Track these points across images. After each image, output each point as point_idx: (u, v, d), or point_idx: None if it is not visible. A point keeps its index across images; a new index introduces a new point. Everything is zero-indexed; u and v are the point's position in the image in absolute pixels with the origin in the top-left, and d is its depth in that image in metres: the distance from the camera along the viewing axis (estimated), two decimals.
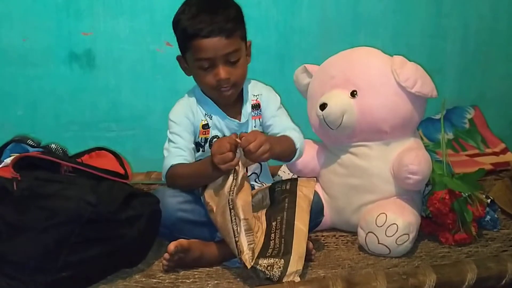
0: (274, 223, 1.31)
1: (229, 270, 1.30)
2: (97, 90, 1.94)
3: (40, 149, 1.36)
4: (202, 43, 1.35)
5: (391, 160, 1.46)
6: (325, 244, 1.47)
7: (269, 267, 1.19)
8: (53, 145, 1.40)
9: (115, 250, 1.22)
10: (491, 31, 2.27)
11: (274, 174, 1.73)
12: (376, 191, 1.46)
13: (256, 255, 1.22)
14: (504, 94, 2.33)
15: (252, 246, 1.23)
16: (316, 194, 1.43)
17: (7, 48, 1.86)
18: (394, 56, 1.49)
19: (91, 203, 1.18)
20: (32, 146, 1.38)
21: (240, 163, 1.29)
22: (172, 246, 1.25)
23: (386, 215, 1.36)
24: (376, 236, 1.37)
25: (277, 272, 1.18)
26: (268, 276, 1.19)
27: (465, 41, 2.25)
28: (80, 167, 1.30)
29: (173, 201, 1.34)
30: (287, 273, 1.19)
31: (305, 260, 1.33)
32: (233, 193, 1.25)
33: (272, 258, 1.21)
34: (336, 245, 1.47)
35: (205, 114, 1.46)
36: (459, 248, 1.41)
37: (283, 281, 1.18)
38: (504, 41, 2.29)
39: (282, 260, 1.20)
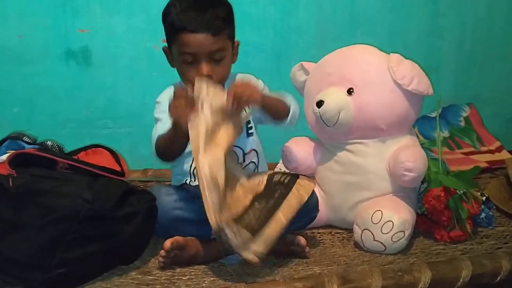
0: (257, 204, 1.27)
1: (225, 267, 1.30)
2: (94, 87, 1.94)
3: (36, 146, 1.36)
4: (188, 37, 1.35)
5: (387, 157, 1.46)
6: (321, 241, 1.48)
7: (236, 233, 1.16)
8: (49, 142, 1.40)
9: (111, 247, 1.22)
10: (487, 30, 2.28)
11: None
12: (372, 188, 1.47)
13: (229, 217, 1.19)
14: (499, 93, 2.34)
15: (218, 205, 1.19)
16: None
17: (3, 45, 1.85)
18: (391, 53, 1.50)
19: (88, 200, 1.18)
20: (28, 143, 1.38)
21: (202, 116, 1.24)
22: (168, 243, 1.25)
23: (381, 212, 1.37)
24: (372, 233, 1.37)
25: (240, 241, 1.16)
26: (230, 240, 1.15)
27: (461, 40, 2.26)
28: (76, 164, 1.30)
29: (169, 199, 1.34)
30: (249, 248, 1.17)
31: (299, 257, 1.34)
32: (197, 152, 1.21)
33: (242, 228, 1.18)
34: (332, 242, 1.48)
35: None
36: (454, 245, 1.42)
37: (242, 254, 1.16)
38: (500, 40, 2.30)
39: (250, 234, 1.18)
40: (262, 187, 1.36)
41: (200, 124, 1.23)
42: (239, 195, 1.29)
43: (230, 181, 1.26)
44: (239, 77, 1.48)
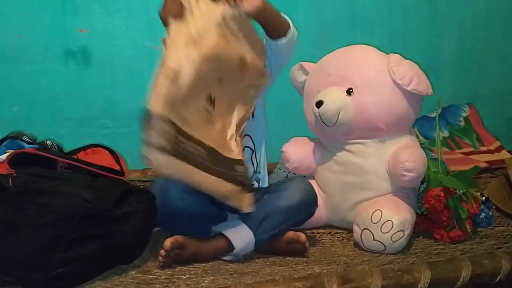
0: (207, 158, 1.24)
1: (225, 265, 1.30)
2: (93, 87, 1.94)
3: (36, 146, 1.36)
4: None
5: (386, 157, 1.46)
6: (321, 240, 1.48)
7: (160, 133, 1.16)
8: (48, 142, 1.40)
9: (111, 246, 1.22)
10: (486, 30, 2.28)
11: (270, 171, 1.73)
12: (372, 188, 1.47)
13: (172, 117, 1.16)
14: (499, 92, 2.34)
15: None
16: (309, 183, 1.43)
17: (3, 44, 1.85)
18: (390, 54, 1.50)
19: (87, 200, 1.18)
20: (27, 143, 1.37)
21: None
22: (168, 242, 1.26)
23: (381, 212, 1.37)
24: (372, 233, 1.37)
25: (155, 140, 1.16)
26: (149, 132, 1.15)
27: (460, 39, 2.26)
28: (76, 163, 1.30)
29: (175, 189, 1.32)
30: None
31: (299, 255, 1.36)
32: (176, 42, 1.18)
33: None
34: (331, 241, 1.48)
35: None
36: (454, 245, 1.42)
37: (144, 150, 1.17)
38: (499, 40, 2.30)
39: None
40: (232, 156, 1.29)
41: (189, 23, 1.18)
42: (211, 132, 1.24)
43: (217, 108, 1.21)
44: None
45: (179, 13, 1.21)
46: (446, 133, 2.13)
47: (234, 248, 1.30)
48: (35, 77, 1.89)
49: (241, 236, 1.31)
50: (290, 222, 1.36)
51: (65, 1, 1.86)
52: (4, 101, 1.90)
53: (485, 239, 1.45)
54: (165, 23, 1.26)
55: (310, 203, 1.41)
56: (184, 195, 1.33)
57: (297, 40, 1.41)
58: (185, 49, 1.17)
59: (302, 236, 1.36)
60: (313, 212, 1.44)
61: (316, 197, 1.44)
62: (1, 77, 1.88)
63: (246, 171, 1.33)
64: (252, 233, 1.32)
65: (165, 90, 1.14)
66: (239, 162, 1.30)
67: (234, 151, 1.30)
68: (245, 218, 1.34)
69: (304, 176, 1.64)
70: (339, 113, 1.45)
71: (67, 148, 1.45)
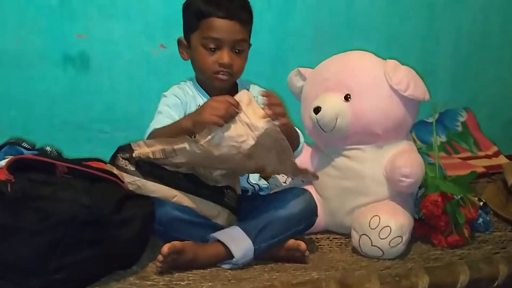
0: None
1: (223, 271, 1.30)
2: (91, 92, 1.94)
3: (35, 152, 1.36)
4: (217, 22, 1.38)
5: (384, 162, 1.47)
6: (319, 246, 1.48)
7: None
8: (48, 148, 1.40)
9: (109, 252, 1.21)
10: (483, 34, 2.29)
11: (267, 176, 1.73)
12: (369, 193, 1.47)
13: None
14: (496, 97, 2.35)
15: None
16: (309, 194, 1.44)
17: (1, 49, 1.85)
18: (387, 59, 1.50)
19: (85, 205, 1.17)
20: (26, 149, 1.38)
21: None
22: (165, 248, 1.25)
23: (379, 217, 1.37)
24: (370, 238, 1.37)
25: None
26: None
27: (457, 44, 2.27)
28: (76, 166, 1.29)
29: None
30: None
31: (298, 262, 1.35)
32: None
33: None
34: (329, 247, 1.48)
35: (199, 105, 1.45)
36: (452, 250, 1.42)
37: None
38: (496, 44, 2.31)
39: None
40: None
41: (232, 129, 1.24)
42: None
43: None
44: (257, 88, 1.52)
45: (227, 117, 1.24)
46: (443, 138, 2.14)
47: (233, 256, 1.30)
48: (33, 82, 1.89)
49: (240, 245, 1.31)
50: (290, 232, 1.36)
51: (63, 7, 1.86)
52: (2, 105, 1.89)
53: (482, 244, 1.46)
54: (201, 123, 1.25)
55: (310, 213, 1.41)
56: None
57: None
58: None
59: (303, 245, 1.35)
60: (313, 223, 1.44)
61: (316, 207, 1.44)
62: None
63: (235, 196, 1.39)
64: (251, 242, 1.31)
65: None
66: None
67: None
68: (244, 226, 1.34)
69: (302, 181, 1.65)
70: (336, 119, 1.46)
71: (65, 152, 1.46)
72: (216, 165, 1.33)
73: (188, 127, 1.28)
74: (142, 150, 1.30)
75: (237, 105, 1.24)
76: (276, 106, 1.28)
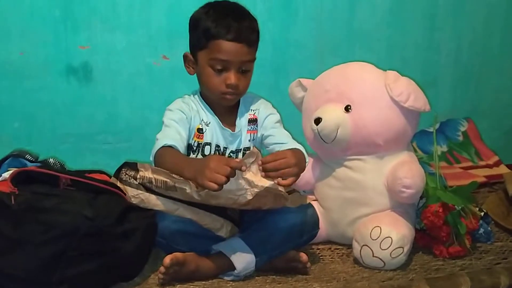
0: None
1: (225, 283, 1.31)
2: (94, 103, 1.95)
3: (38, 164, 1.37)
4: (225, 45, 1.39)
5: (385, 173, 1.47)
6: (321, 257, 1.48)
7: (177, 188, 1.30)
8: (51, 160, 1.41)
9: (112, 263, 1.22)
10: (484, 44, 2.29)
11: None
12: (371, 204, 1.48)
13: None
14: (497, 107, 2.34)
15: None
16: (311, 206, 1.44)
17: (4, 60, 1.86)
18: (388, 71, 1.51)
19: (88, 217, 1.19)
20: (30, 161, 1.38)
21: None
22: (167, 259, 1.26)
23: (380, 228, 1.37)
24: (371, 249, 1.38)
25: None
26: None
27: (458, 54, 2.27)
28: (79, 178, 1.31)
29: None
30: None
31: (300, 273, 1.36)
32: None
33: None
34: (331, 258, 1.48)
35: (202, 120, 1.47)
36: (453, 260, 1.42)
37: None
38: (497, 54, 2.31)
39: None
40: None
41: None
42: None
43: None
44: (254, 101, 1.54)
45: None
46: (445, 148, 2.14)
47: (234, 268, 1.31)
48: (36, 94, 1.90)
49: (241, 256, 1.31)
50: (292, 244, 1.36)
51: (66, 18, 1.87)
52: (5, 117, 1.90)
53: (484, 255, 1.46)
54: (202, 182, 1.23)
55: (312, 226, 1.41)
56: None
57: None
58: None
59: (304, 256, 1.36)
60: (315, 235, 1.44)
61: (318, 220, 1.45)
62: (2, 94, 1.88)
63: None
64: (252, 253, 1.32)
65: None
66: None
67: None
68: (246, 237, 1.34)
69: (304, 192, 1.66)
70: (337, 129, 1.46)
71: (68, 163, 1.47)
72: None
73: (189, 178, 1.28)
74: (146, 173, 1.33)
75: (240, 167, 1.22)
76: (283, 166, 1.28)
